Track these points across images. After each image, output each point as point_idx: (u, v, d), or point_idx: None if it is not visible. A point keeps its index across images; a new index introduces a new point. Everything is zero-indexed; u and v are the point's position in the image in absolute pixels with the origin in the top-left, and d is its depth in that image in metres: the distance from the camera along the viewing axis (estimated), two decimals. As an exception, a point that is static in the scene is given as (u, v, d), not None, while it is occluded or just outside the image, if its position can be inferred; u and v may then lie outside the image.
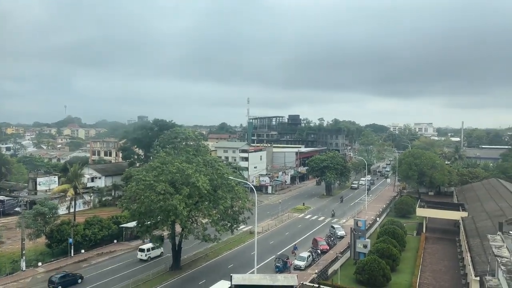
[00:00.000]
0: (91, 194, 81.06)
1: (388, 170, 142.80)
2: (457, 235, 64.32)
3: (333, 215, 76.00)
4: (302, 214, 77.99)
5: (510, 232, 29.26)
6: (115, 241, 57.62)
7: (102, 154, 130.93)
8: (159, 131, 78.90)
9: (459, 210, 64.09)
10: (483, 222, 54.48)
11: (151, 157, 46.74)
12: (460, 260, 53.44)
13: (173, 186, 40.89)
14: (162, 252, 52.14)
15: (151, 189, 39.73)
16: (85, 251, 52.96)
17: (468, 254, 45.01)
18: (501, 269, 22.60)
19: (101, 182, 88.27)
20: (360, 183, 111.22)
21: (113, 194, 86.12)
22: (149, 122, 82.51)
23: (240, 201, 46.32)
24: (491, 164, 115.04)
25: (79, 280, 43.56)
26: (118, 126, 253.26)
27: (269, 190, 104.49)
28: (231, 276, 27.69)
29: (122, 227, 58.14)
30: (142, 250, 50.98)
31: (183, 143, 46.15)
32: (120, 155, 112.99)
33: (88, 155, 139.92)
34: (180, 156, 44.37)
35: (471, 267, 41.55)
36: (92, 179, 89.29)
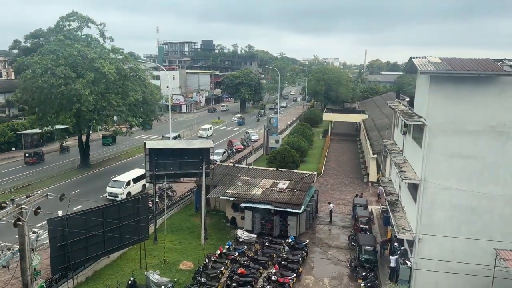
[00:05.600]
0: (-20, 110, 72.10)
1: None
2: (358, 137, 70.45)
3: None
4: (218, 126, 78.53)
5: (405, 97, 32.51)
6: (13, 148, 52.71)
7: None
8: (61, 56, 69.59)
9: (360, 114, 69.66)
10: (381, 120, 59.87)
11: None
12: (360, 153, 59.00)
13: (74, 72, 37.36)
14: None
15: (49, 73, 35.92)
16: (-23, 157, 47.82)
17: (368, 142, 49.71)
18: (398, 113, 25.17)
19: (-9, 99, 78.35)
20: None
21: (7, 112, 77.65)
22: (44, 31, 72.75)
23: (151, 96, 44.35)
24: (389, 86, 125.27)
25: None
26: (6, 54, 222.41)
27: (183, 109, 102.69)
28: (145, 142, 26.91)
29: (21, 133, 53.11)
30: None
31: (84, 28, 41.46)
32: (13, 73, 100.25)
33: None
34: (81, 42, 40.27)
35: (370, 149, 46.10)
36: (-20, 96, 78.86)
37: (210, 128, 68.59)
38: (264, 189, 30.97)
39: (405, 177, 21.70)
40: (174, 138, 46.40)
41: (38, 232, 11.19)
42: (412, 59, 21.69)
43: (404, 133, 26.30)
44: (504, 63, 20.27)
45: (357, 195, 36.14)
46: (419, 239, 21.23)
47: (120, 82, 40.69)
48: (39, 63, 36.25)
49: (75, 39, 40.12)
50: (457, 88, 19.89)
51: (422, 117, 21.06)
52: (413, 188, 22.66)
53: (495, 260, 18.93)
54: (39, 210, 10.37)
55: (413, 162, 23.43)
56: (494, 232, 20.35)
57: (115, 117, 44.70)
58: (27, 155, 46.82)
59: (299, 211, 27.69)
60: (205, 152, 27.66)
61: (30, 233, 10.71)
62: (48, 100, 36.74)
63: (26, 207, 10.06)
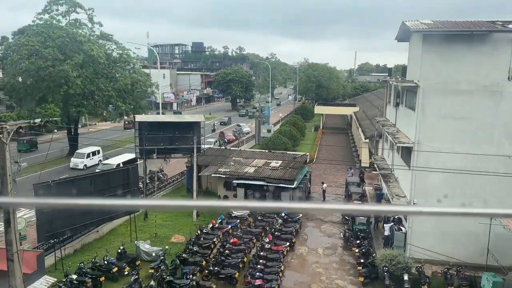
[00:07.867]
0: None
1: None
2: (349, 130, 70.50)
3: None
4: (209, 121, 78.00)
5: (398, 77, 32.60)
6: (-1, 140, 51.71)
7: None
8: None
9: (352, 107, 69.81)
10: (372, 111, 59.96)
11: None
12: (352, 143, 58.96)
13: (63, 54, 36.70)
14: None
15: (36, 55, 35.25)
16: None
17: (359, 129, 49.68)
18: (391, 82, 25.12)
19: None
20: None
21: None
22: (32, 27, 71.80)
23: (141, 82, 43.74)
24: (379, 84, 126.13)
25: None
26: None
27: (174, 107, 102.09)
28: (134, 116, 26.43)
29: (7, 125, 52.12)
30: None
31: (72, 13, 40.83)
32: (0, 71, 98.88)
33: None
34: (70, 26, 39.67)
35: (362, 135, 46.04)
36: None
37: None
38: (256, 167, 30.61)
39: (399, 141, 21.52)
40: None
41: (20, 164, 10.68)
42: (405, 22, 21.60)
43: (397, 105, 26.18)
44: (495, 24, 20.28)
45: (350, 168, 36.93)
46: (414, 203, 20.99)
47: (109, 68, 40.11)
48: (26, 45, 35.58)
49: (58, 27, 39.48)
50: (450, 47, 19.81)
51: (414, 80, 20.94)
52: (407, 156, 22.47)
53: (491, 218, 18.74)
54: (20, 130, 9.92)
55: (406, 130, 23.27)
56: (488, 193, 20.22)
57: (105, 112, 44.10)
58: (126, 122, 58.24)
59: (292, 186, 27.37)
60: (196, 126, 27.24)
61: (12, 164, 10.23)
62: (35, 83, 36.00)
63: (7, 126, 9.60)
